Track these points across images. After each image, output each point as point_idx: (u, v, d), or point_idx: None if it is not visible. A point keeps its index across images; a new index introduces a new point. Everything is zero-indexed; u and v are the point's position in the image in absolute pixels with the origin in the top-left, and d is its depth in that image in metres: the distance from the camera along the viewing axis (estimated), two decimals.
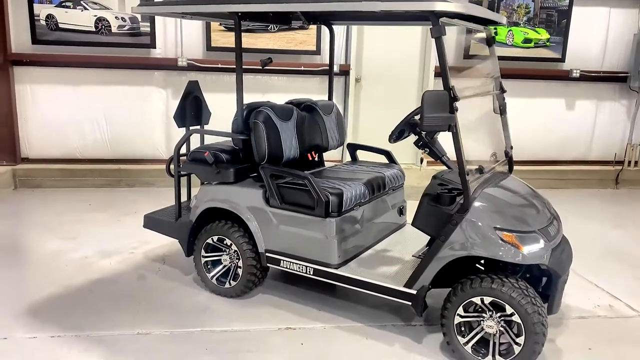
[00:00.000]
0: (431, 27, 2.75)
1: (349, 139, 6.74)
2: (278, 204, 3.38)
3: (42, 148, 6.49)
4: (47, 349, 2.99)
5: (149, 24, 6.27)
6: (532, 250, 2.82)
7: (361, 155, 4.38)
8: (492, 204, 2.93)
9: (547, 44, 7.00)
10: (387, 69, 6.89)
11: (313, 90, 6.62)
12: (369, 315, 3.48)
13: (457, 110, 2.79)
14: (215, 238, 3.60)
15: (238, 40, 3.36)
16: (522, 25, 6.93)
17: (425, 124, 2.73)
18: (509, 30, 6.92)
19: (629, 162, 7.43)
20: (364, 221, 3.56)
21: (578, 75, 7.09)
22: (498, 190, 3.11)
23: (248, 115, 3.51)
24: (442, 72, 2.81)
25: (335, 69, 6.65)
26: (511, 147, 3.65)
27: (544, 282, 3.12)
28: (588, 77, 7.16)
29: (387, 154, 4.22)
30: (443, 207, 2.97)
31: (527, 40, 6.96)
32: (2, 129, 6.25)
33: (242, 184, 3.56)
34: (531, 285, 3.11)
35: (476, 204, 2.89)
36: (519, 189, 3.27)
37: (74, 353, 2.96)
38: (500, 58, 6.90)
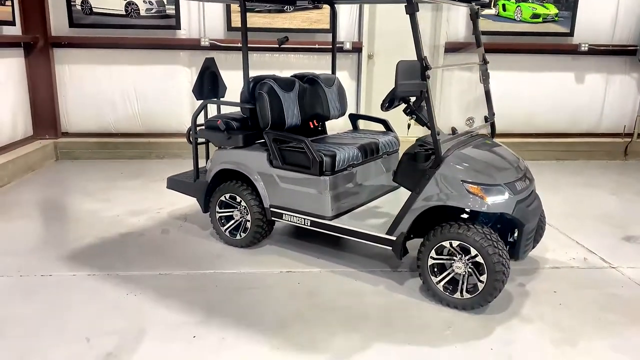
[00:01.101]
0: (405, 4, 3.15)
1: (362, 112, 7.16)
2: (280, 164, 3.85)
3: (80, 123, 7.14)
4: (84, 284, 3.58)
5: (174, 7, 6.79)
6: (496, 201, 3.22)
7: (364, 125, 4.82)
8: (462, 161, 3.33)
9: (556, 18, 7.20)
10: (398, 46, 7.21)
11: (327, 67, 7.02)
12: (361, 263, 3.94)
13: (429, 78, 3.19)
14: (227, 196, 4.11)
15: (243, 19, 3.81)
16: (530, 1, 7.13)
17: (399, 90, 3.15)
18: (517, 6, 7.14)
19: (638, 134, 7.58)
20: (358, 181, 4.01)
21: (586, 49, 7.26)
22: (472, 150, 3.50)
23: (254, 87, 3.97)
24: (415, 44, 3.21)
25: (348, 46, 7.04)
26: (493, 114, 4.00)
27: (516, 233, 3.50)
28: (597, 51, 7.32)
29: (384, 123, 4.63)
30: (419, 163, 3.38)
31: (535, 16, 7.17)
32: (45, 106, 6.91)
33: (250, 148, 4.05)
34: (502, 234, 3.53)
35: (447, 160, 3.30)
36: (494, 150, 3.64)
37: (107, 286, 3.53)
38: (509, 33, 7.28)
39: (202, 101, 4.43)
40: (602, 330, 3.13)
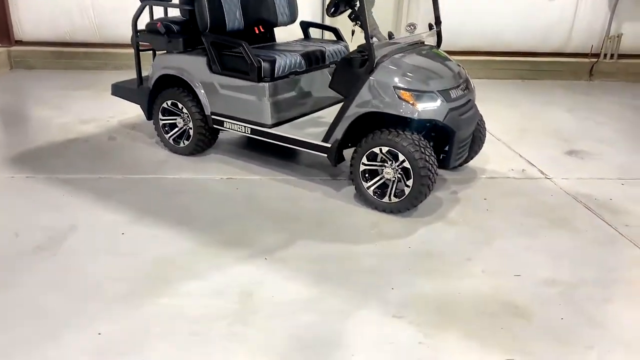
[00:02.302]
0: None
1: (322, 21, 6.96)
2: (219, 70, 3.80)
3: (34, 31, 6.89)
4: (21, 185, 3.62)
5: None
6: (427, 108, 3.24)
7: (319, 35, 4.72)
8: (396, 67, 3.31)
9: None
10: None
11: None
12: (303, 171, 4.01)
13: None
14: (169, 103, 4.08)
15: None
16: None
17: None
18: None
19: (605, 55, 7.53)
20: (301, 90, 3.98)
21: None
22: (410, 57, 3.46)
23: None
24: None
25: None
26: (439, 22, 3.93)
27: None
28: None
29: (335, 31, 4.53)
30: (354, 69, 3.36)
31: None
32: None
33: (190, 53, 3.97)
34: (438, 143, 3.59)
35: (382, 65, 3.28)
36: (434, 58, 3.61)
37: (44, 188, 3.58)
38: None
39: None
40: (522, 233, 3.27)
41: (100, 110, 5.22)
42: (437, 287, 2.67)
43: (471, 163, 4.18)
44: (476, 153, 4.05)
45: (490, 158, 4.42)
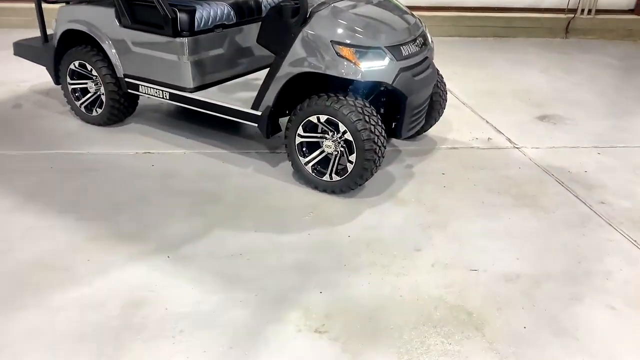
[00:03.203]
0: None
1: None
2: (129, 23, 3.18)
3: None
4: None
5: None
6: (372, 68, 2.69)
7: None
8: (334, 17, 2.74)
9: None
10: None
11: None
12: (237, 144, 3.45)
13: None
14: (77, 64, 3.45)
15: None
16: None
17: None
18: None
19: (582, 10, 7.01)
20: (230, 46, 3.38)
21: None
22: (354, 6, 2.89)
23: None
24: None
25: None
26: None
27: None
28: None
29: None
30: (284, 19, 2.77)
31: None
32: None
33: (97, 3, 3.33)
34: (389, 110, 3.06)
35: (317, 15, 2.71)
36: (384, 7, 3.04)
37: None
38: None
39: None
40: (480, 213, 2.80)
41: (13, 72, 4.54)
42: (375, 287, 2.19)
43: (430, 131, 3.67)
44: (435, 120, 3.54)
45: (452, 125, 3.92)
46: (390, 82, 2.75)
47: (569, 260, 2.44)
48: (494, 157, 3.46)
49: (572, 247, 2.54)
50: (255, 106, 2.97)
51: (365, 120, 2.68)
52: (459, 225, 2.67)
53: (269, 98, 2.90)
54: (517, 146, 3.64)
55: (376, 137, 2.71)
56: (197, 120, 3.67)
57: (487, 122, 4.04)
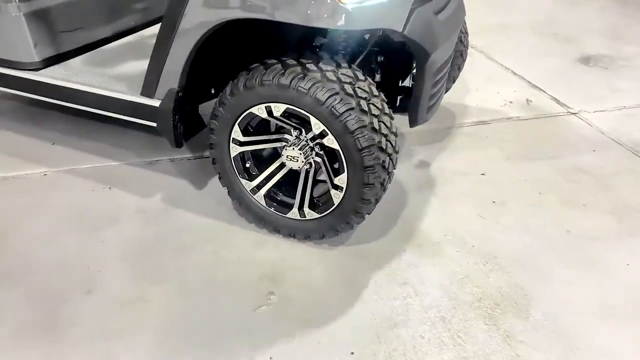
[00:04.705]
0: None
1: None
2: None
3: None
4: None
5: None
6: (367, 6, 1.33)
7: None
8: None
9: None
10: None
11: None
12: (135, 146, 2.08)
13: None
14: None
15: None
16: None
17: None
18: None
19: None
20: None
21: None
22: None
23: None
24: None
25: None
26: None
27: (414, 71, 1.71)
28: None
29: None
30: None
31: None
32: None
33: None
34: (392, 77, 1.77)
35: None
36: None
37: None
38: None
39: None
40: (572, 261, 1.57)
41: None
42: None
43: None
44: (453, 81, 2.25)
45: (468, 83, 2.64)
46: (401, 29, 1.41)
47: None
48: (547, 133, 2.22)
49: None
50: (147, 90, 1.59)
51: (361, 109, 1.35)
52: (550, 307, 1.43)
53: (172, 73, 1.52)
54: (572, 110, 2.41)
55: (383, 140, 1.40)
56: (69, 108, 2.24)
57: (514, 72, 2.78)
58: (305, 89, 1.33)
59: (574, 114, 2.38)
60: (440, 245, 1.59)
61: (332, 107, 1.33)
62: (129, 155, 2.02)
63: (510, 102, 2.47)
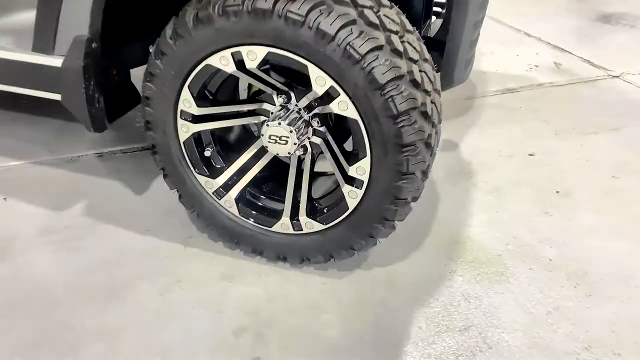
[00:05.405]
0: None
1: None
2: None
3: None
4: None
5: None
6: None
7: None
8: None
9: None
10: None
11: None
12: (55, 143, 1.47)
13: None
14: None
15: None
16: None
17: None
18: None
19: None
20: None
21: None
22: None
23: None
24: None
25: None
26: None
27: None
28: None
29: None
30: None
31: None
32: None
33: None
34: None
35: None
36: None
37: None
38: None
39: None
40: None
41: None
42: None
43: None
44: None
45: (484, 46, 2.12)
46: None
47: None
48: (593, 100, 1.75)
49: None
50: (41, 43, 0.99)
51: (394, 49, 0.80)
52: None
53: (78, 10, 0.93)
54: (613, 73, 1.94)
55: (427, 101, 0.85)
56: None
57: (527, 34, 2.30)
58: (301, 16, 0.78)
59: (616, 76, 1.91)
60: (503, 259, 1.07)
61: (348, 44, 0.78)
62: (36, 151, 1.42)
63: (536, 67, 1.98)
